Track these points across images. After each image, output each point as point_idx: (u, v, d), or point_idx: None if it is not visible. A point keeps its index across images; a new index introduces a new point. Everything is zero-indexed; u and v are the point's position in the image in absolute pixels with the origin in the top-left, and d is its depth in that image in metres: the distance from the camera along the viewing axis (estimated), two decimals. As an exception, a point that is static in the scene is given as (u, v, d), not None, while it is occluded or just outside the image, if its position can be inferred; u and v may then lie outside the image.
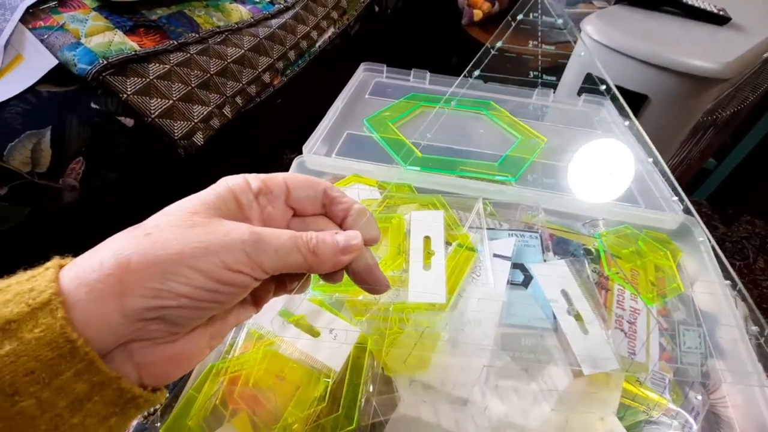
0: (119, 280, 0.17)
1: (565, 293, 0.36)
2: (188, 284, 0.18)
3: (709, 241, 0.44)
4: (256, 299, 0.25)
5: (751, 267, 1.29)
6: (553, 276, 0.37)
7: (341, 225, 0.25)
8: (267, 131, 0.94)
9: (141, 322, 0.18)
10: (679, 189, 0.50)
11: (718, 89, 0.82)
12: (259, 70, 0.81)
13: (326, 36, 0.97)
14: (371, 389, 0.31)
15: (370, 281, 0.25)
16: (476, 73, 0.42)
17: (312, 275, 0.26)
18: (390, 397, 0.31)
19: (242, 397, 0.30)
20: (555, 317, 0.35)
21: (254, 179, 0.23)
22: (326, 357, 0.32)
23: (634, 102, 0.83)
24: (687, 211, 0.48)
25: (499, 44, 0.41)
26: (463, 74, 0.43)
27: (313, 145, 0.51)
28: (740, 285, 0.39)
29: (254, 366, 0.31)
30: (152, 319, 0.18)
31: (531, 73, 0.45)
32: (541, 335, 0.34)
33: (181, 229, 0.19)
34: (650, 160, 0.58)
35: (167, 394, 0.21)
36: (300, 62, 0.92)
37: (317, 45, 0.95)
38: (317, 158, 0.49)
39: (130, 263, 0.18)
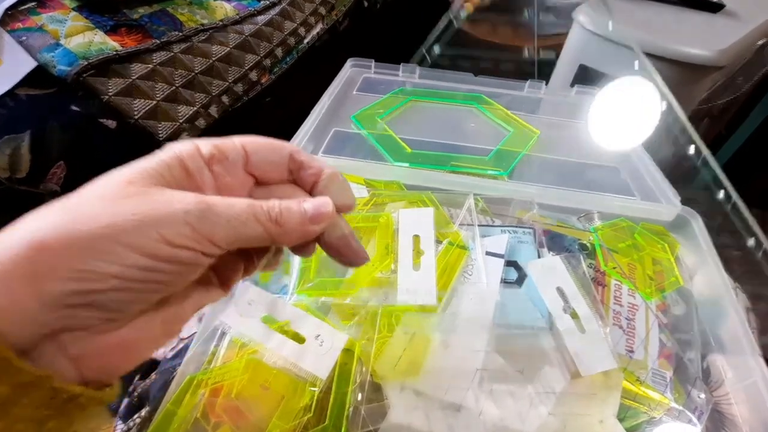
0: (33, 262, 0.15)
1: (560, 291, 0.35)
2: (119, 263, 0.16)
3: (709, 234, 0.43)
4: (223, 279, 0.22)
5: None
6: (548, 273, 0.36)
7: (311, 192, 0.23)
8: (256, 130, 0.92)
9: (66, 309, 0.15)
10: (666, 184, 0.49)
11: (713, 77, 0.81)
12: (246, 68, 0.80)
13: (314, 32, 0.96)
14: (360, 398, 0.29)
15: (346, 253, 0.22)
16: (437, 49, 0.40)
17: (285, 251, 0.24)
18: (380, 405, 0.29)
19: (224, 409, 0.29)
20: (550, 316, 0.34)
21: (205, 144, 0.20)
22: (312, 364, 0.30)
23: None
24: (684, 202, 0.47)
25: (463, 14, 0.39)
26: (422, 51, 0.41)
27: (298, 143, 0.49)
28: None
29: (236, 376, 0.30)
30: (80, 305, 0.16)
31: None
32: (536, 335, 0.33)
33: (112, 200, 0.16)
34: (642, 150, 0.57)
35: (119, 390, 0.19)
36: (288, 59, 0.90)
37: (305, 41, 0.93)
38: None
39: (45, 242, 0.15)
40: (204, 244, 0.17)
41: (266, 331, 0.32)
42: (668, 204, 0.47)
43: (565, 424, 0.29)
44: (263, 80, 0.86)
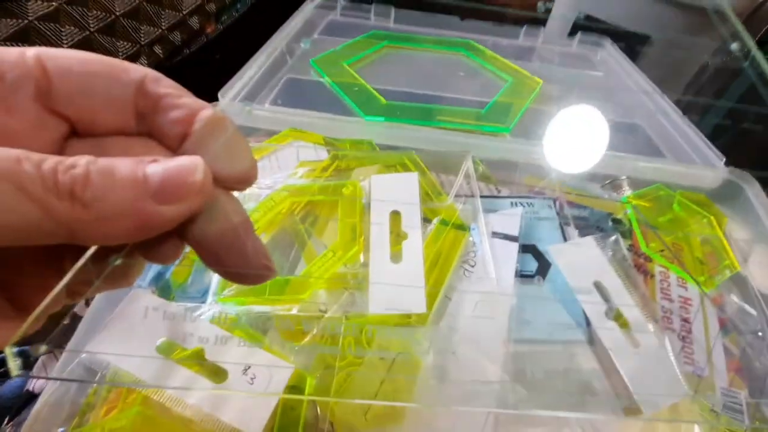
0: None
1: (598, 286, 0.25)
2: None
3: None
4: (15, 299, 0.13)
5: None
6: (580, 261, 0.26)
7: (177, 151, 0.13)
8: (203, 92, 0.79)
9: None
10: (705, 142, 0.40)
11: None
12: (184, 12, 0.66)
13: (271, -26, 0.81)
14: (312, 464, 0.19)
15: (230, 259, 0.12)
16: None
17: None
18: (343, 474, 0.19)
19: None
20: (588, 324, 0.24)
21: None
22: (238, 416, 0.19)
23: (635, 43, 0.73)
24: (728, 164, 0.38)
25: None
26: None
27: (237, 91, 0.37)
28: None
29: (117, 439, 0.19)
30: None
31: None
32: (570, 353, 0.23)
33: None
34: (669, 103, 0.47)
35: None
36: (239, 6, 0.77)
37: (260, -15, 0.79)
38: (240, 107, 0.35)
39: None
40: None
41: (166, 366, 0.20)
42: (710, 167, 0.38)
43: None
44: (209, 30, 0.72)
